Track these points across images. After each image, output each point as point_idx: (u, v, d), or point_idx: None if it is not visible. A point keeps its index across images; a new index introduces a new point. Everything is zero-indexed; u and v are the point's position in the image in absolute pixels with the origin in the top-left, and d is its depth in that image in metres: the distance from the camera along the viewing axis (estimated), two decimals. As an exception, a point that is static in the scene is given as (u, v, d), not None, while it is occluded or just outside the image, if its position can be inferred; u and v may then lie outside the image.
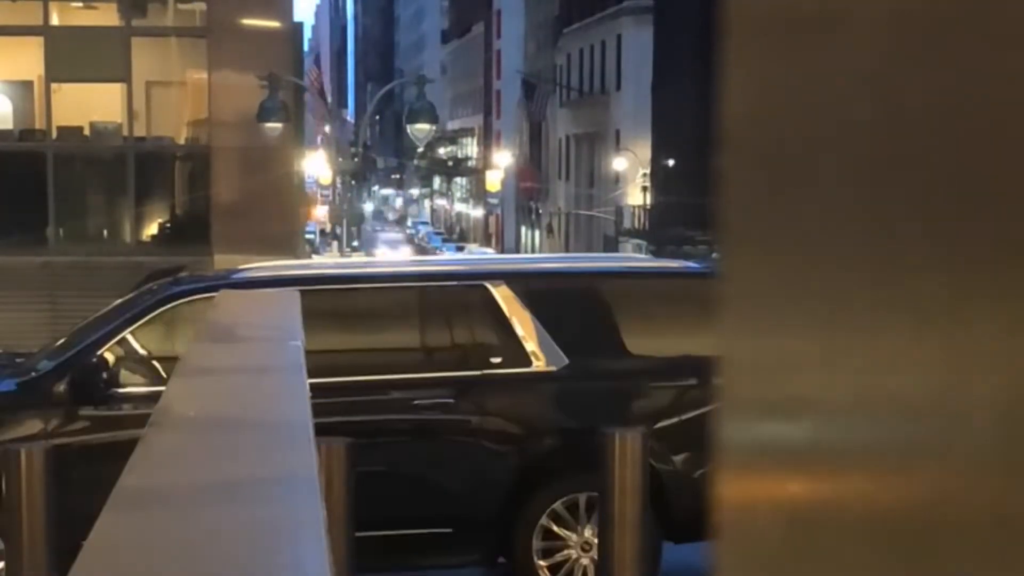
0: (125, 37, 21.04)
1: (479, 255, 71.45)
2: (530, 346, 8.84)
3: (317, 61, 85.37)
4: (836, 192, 0.87)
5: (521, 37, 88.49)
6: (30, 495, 8.42)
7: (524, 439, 8.78)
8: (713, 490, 1.04)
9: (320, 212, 70.31)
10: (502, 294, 8.90)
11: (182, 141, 22.66)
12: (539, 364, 8.82)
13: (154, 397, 4.15)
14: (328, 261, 26.99)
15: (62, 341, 9.36)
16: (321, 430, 3.68)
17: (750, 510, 1.01)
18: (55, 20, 21.62)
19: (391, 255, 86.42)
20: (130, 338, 8.84)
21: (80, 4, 22.83)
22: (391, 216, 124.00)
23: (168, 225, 21.74)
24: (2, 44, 22.19)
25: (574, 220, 70.63)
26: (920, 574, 0.79)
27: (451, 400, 8.70)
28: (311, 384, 4.30)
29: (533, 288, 9.08)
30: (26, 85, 22.24)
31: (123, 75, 20.95)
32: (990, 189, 0.72)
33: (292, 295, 6.45)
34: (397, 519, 8.60)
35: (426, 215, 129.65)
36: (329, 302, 8.80)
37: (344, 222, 29.96)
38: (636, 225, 56.81)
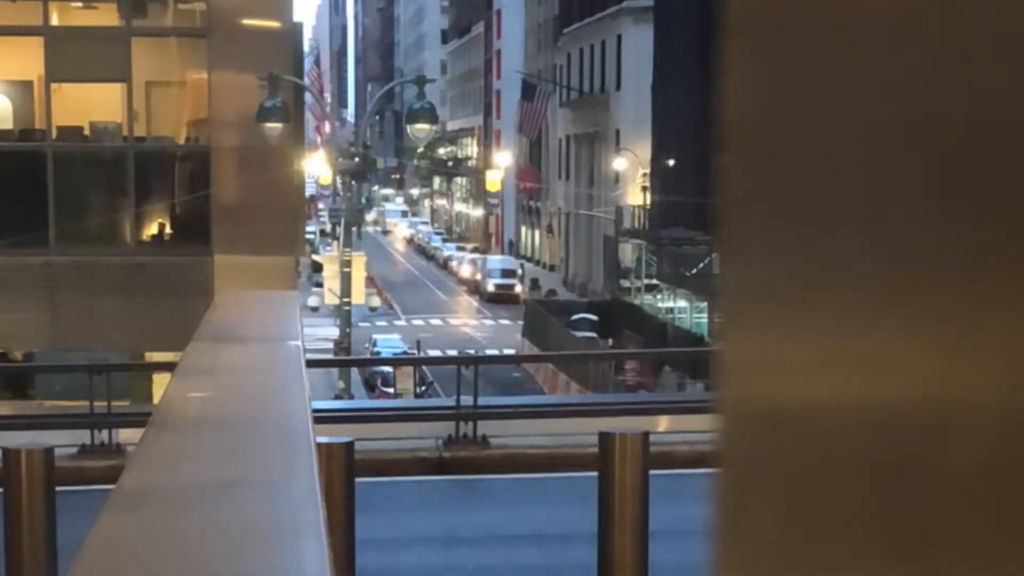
0: (125, 37, 21.02)
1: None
2: None
3: (317, 61, 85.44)
4: (836, 192, 0.87)
5: (521, 37, 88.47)
6: (30, 495, 8.42)
7: None
8: (713, 490, 1.04)
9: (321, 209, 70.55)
10: None
11: (182, 141, 22.64)
12: None
13: None
14: None
15: None
16: None
17: (750, 510, 1.01)
18: (55, 20, 21.60)
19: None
20: None
21: (80, 4, 22.81)
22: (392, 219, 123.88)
23: (168, 225, 21.72)
24: (2, 44, 22.18)
25: (574, 220, 70.62)
26: (921, 574, 0.79)
27: None
28: None
29: None
30: (26, 85, 22.21)
31: (123, 75, 20.93)
32: (991, 189, 0.72)
33: (292, 295, 6.48)
34: None
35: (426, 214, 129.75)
36: None
37: (343, 222, 29.95)
38: (636, 225, 56.81)
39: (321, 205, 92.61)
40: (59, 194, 20.91)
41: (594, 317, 46.67)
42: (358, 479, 8.61)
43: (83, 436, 14.19)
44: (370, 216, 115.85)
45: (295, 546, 3.02)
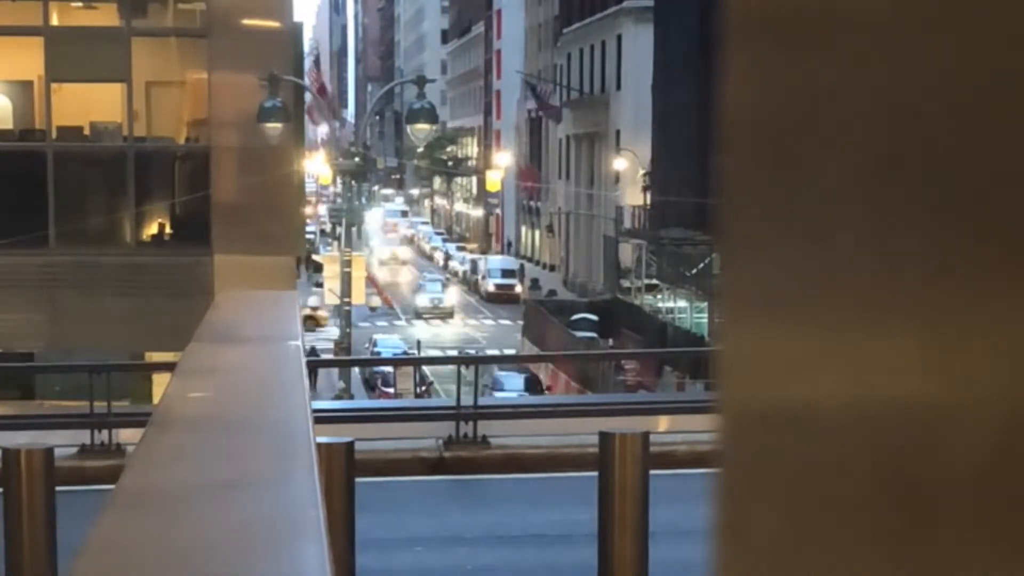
0: (125, 37, 21.03)
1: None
2: None
3: (317, 62, 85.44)
4: (837, 192, 0.87)
5: (521, 37, 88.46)
6: (30, 495, 8.42)
7: None
8: (713, 490, 1.04)
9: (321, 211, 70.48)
10: None
11: (182, 141, 22.65)
12: None
13: None
14: None
15: None
16: None
17: (750, 510, 1.01)
18: (55, 20, 21.61)
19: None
20: None
21: (80, 4, 22.82)
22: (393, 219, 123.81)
23: (168, 225, 21.73)
24: (2, 44, 22.18)
25: (574, 220, 70.62)
26: (920, 574, 0.79)
27: None
28: None
29: None
30: (26, 85, 22.23)
31: (123, 75, 20.93)
32: (991, 189, 0.72)
33: (292, 295, 6.49)
34: None
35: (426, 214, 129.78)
36: None
37: (343, 222, 29.95)
38: (636, 225, 56.80)
39: (320, 201, 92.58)
40: (59, 194, 20.92)
41: (594, 317, 46.68)
42: (358, 479, 8.61)
43: (83, 436, 14.19)
44: (370, 215, 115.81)
45: (295, 546, 3.02)
